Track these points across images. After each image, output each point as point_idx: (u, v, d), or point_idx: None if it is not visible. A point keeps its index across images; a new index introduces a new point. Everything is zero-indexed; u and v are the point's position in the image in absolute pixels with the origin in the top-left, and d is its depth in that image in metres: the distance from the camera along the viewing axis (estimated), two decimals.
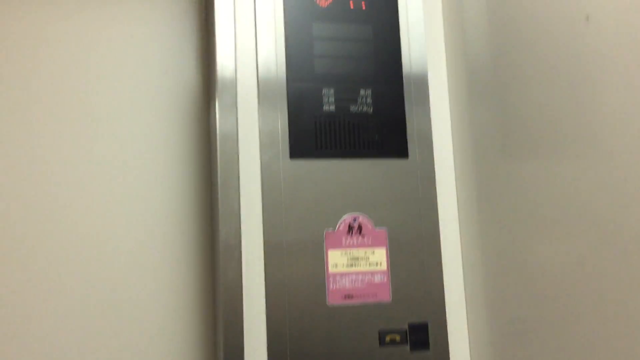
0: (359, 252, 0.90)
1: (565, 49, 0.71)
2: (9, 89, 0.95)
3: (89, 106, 0.99)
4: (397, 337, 0.88)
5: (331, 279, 0.88)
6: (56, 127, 0.97)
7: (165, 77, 1.01)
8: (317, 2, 0.94)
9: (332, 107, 0.93)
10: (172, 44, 1.02)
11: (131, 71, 1.01)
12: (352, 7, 0.95)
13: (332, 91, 0.93)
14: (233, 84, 0.89)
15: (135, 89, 1.00)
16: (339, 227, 0.90)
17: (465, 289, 0.93)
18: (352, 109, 0.93)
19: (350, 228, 0.90)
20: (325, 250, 0.89)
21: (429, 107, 0.97)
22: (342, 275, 0.89)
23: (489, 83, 0.90)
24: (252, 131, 0.90)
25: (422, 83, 0.97)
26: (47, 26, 0.98)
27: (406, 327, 0.89)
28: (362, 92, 0.94)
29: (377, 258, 0.90)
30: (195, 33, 1.03)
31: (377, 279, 0.90)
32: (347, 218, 0.91)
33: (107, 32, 1.00)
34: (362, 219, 0.91)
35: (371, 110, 0.94)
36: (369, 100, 0.94)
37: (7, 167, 0.94)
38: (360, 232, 0.91)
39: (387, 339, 0.88)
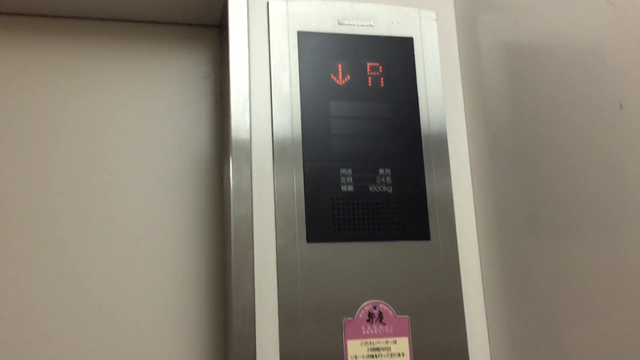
0: (380, 342, 0.85)
1: (598, 133, 0.68)
2: (27, 162, 0.93)
3: (107, 173, 0.96)
4: None
5: None
6: (75, 190, 0.94)
7: (180, 151, 0.99)
8: (334, 79, 0.92)
9: (351, 187, 0.89)
10: (187, 119, 1.00)
11: (147, 141, 0.98)
12: (370, 84, 0.93)
13: (350, 171, 0.90)
14: (248, 161, 0.86)
15: (151, 159, 0.98)
16: (358, 315, 0.85)
17: None
18: (371, 189, 0.90)
19: (370, 316, 0.86)
20: (344, 340, 0.84)
21: (451, 185, 0.93)
22: None
23: (512, 161, 0.86)
24: (267, 214, 0.86)
25: (442, 160, 0.94)
26: (67, 101, 0.97)
27: None
28: (381, 171, 0.91)
29: (400, 348, 0.85)
30: (209, 110, 1.02)
31: None
32: (367, 305, 0.86)
33: (126, 106, 0.99)
34: (382, 306, 0.86)
35: (391, 190, 0.91)
36: (388, 179, 0.91)
37: (26, 233, 0.91)
38: (381, 321, 0.86)
39: None
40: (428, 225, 0.91)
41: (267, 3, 0.93)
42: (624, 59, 0.63)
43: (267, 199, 0.87)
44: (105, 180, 0.96)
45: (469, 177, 0.95)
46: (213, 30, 1.04)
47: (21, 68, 0.96)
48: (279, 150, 0.88)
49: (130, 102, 0.99)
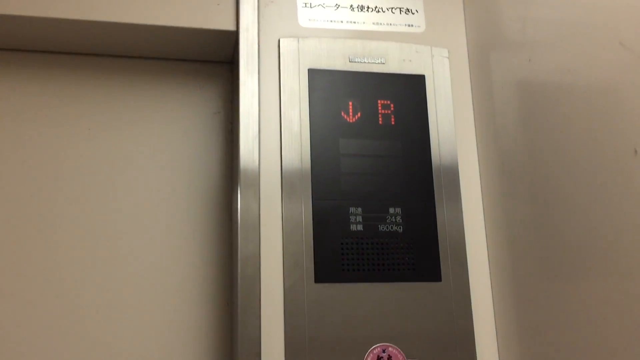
0: None
1: (611, 178, 0.66)
2: (38, 199, 0.93)
3: (116, 208, 0.96)
4: None
5: None
6: (85, 227, 0.94)
7: (189, 187, 0.98)
8: (345, 117, 0.92)
9: (360, 227, 0.88)
10: (196, 155, 1.00)
11: (157, 177, 0.98)
12: (380, 122, 0.92)
13: (359, 209, 0.89)
14: (257, 199, 0.85)
15: (160, 194, 0.97)
16: (366, 358, 0.83)
17: None
18: (380, 229, 0.88)
19: None
20: None
21: (463, 225, 0.91)
22: None
23: (525, 202, 0.84)
24: (275, 253, 0.85)
25: (454, 199, 0.92)
26: (78, 137, 0.97)
27: None
28: (391, 210, 0.90)
29: None
30: (219, 146, 1.01)
31: None
32: (375, 349, 0.84)
33: (136, 141, 0.99)
34: (392, 350, 0.84)
35: (401, 229, 0.89)
36: (399, 219, 0.89)
37: (37, 275, 0.91)
38: None
39: None
40: (439, 266, 0.89)
41: (278, 40, 0.93)
42: (638, 103, 0.61)
43: (275, 237, 0.86)
44: (114, 216, 0.96)
45: (482, 217, 0.93)
46: (225, 67, 1.04)
47: (35, 104, 0.97)
48: (287, 188, 0.88)
49: (141, 137, 0.99)
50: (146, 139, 0.99)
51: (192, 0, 0.91)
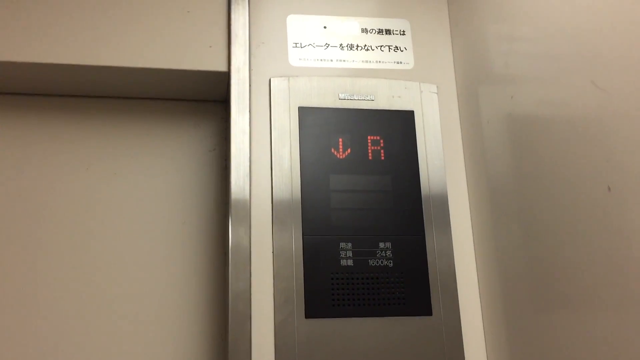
0: None
1: (587, 212, 0.67)
2: (31, 238, 0.96)
3: (111, 243, 0.98)
4: None
5: None
6: (80, 264, 0.96)
7: (185, 223, 1.00)
8: (335, 153, 0.94)
9: (350, 262, 0.89)
10: (192, 191, 1.02)
11: (153, 213, 1.00)
12: (370, 157, 0.94)
13: (349, 244, 0.90)
14: (247, 234, 0.87)
15: (156, 230, 0.99)
16: None
17: None
18: (371, 263, 0.90)
19: None
20: None
21: (453, 258, 0.92)
22: None
23: (515, 234, 0.85)
24: (265, 288, 0.86)
25: (444, 233, 0.93)
26: (76, 175, 1.00)
27: None
28: (381, 245, 0.91)
29: None
30: (214, 184, 1.03)
31: None
32: None
33: (133, 179, 1.01)
34: None
35: (391, 263, 0.90)
36: (389, 253, 0.90)
37: (37, 304, 0.93)
38: None
39: None
40: (430, 300, 0.89)
41: (269, 80, 0.96)
42: (611, 141, 0.63)
43: (265, 273, 0.87)
44: (110, 251, 0.98)
45: (472, 249, 0.94)
46: (219, 105, 1.07)
47: (33, 144, 1.00)
48: (278, 224, 0.89)
49: (138, 174, 1.02)
50: (144, 176, 1.02)
51: (186, 43, 0.94)
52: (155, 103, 1.05)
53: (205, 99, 1.06)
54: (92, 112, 1.03)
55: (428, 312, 0.89)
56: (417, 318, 0.88)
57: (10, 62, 0.89)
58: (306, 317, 0.86)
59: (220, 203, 1.03)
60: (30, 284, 0.94)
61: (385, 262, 0.90)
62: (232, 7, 0.97)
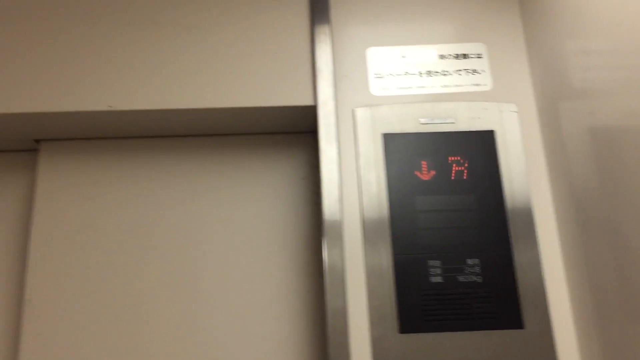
0: None
1: None
2: (141, 262, 1.07)
3: (211, 266, 1.07)
4: None
5: None
6: (184, 283, 1.05)
7: (281, 248, 1.08)
8: (419, 175, 0.98)
9: (440, 279, 0.93)
10: (286, 218, 1.10)
11: (251, 238, 1.09)
12: (453, 178, 0.98)
13: (438, 262, 0.94)
14: (341, 257, 0.93)
15: (254, 254, 1.08)
16: None
17: None
18: (460, 279, 0.93)
19: None
20: None
21: (541, 271, 0.94)
22: None
23: (604, 245, 0.86)
24: (360, 306, 0.92)
25: (531, 247, 0.95)
26: (185, 207, 1.10)
27: None
28: (469, 261, 0.94)
29: None
30: (307, 210, 1.11)
31: None
32: None
33: (233, 207, 1.10)
34: None
35: (480, 279, 0.93)
36: (477, 269, 0.94)
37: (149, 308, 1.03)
38: None
39: None
40: (520, 313, 0.92)
41: (354, 110, 1.02)
42: None
43: (359, 291, 0.93)
44: (213, 274, 1.07)
45: (561, 262, 0.96)
46: (308, 136, 1.15)
47: (144, 182, 1.11)
48: (369, 244, 0.95)
49: (238, 203, 1.11)
50: (243, 204, 1.11)
51: (276, 82, 1.03)
52: (250, 137, 1.14)
53: (295, 130, 1.14)
54: (196, 149, 1.13)
55: (519, 325, 0.91)
56: (508, 331, 0.91)
57: (130, 111, 1.01)
58: (400, 332, 0.91)
59: (312, 226, 1.10)
60: (145, 302, 1.05)
61: (474, 278, 0.93)
62: (316, 45, 1.05)
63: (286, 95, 1.03)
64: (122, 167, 1.11)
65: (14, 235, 1.11)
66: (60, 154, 1.11)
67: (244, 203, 1.11)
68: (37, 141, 1.12)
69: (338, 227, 0.95)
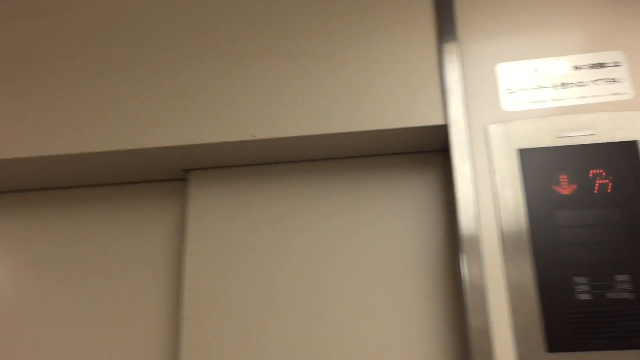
0: None
1: None
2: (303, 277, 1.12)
3: (351, 280, 1.10)
4: None
5: None
6: (324, 296, 1.10)
7: (417, 264, 1.10)
8: (558, 190, 0.96)
9: (587, 296, 0.90)
10: (419, 237, 1.11)
11: (386, 255, 1.11)
12: (596, 191, 0.95)
13: (584, 279, 0.91)
14: (481, 276, 0.93)
15: (390, 270, 1.10)
16: None
17: None
18: (609, 296, 0.90)
19: None
20: None
21: None
22: None
23: None
24: (504, 325, 0.91)
25: None
26: (326, 226, 1.15)
27: None
28: (618, 277, 0.91)
29: None
30: (440, 228, 1.12)
31: None
32: None
33: (367, 226, 1.14)
34: None
35: (633, 296, 0.89)
36: (629, 285, 0.90)
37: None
38: None
39: None
40: None
41: (486, 127, 1.02)
42: None
43: (501, 309, 0.92)
44: (348, 293, 1.10)
45: None
46: (439, 154, 1.15)
47: (281, 205, 1.18)
48: (509, 262, 0.94)
49: (372, 223, 1.14)
50: (376, 224, 1.14)
51: (406, 103, 1.06)
52: (380, 158, 1.17)
53: (425, 149, 1.15)
54: (329, 171, 1.18)
55: None
56: None
57: (272, 139, 1.08)
58: (548, 351, 0.89)
59: (447, 245, 1.10)
60: (286, 318, 1.10)
61: (626, 295, 0.90)
62: (444, 64, 1.06)
63: (417, 115, 1.05)
64: (264, 191, 1.18)
65: (169, 257, 1.21)
66: (207, 181, 1.20)
67: (377, 223, 1.14)
68: (186, 170, 1.21)
69: (476, 244, 0.95)
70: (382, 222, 1.14)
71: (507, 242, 0.95)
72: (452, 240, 1.10)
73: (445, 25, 1.10)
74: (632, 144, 0.97)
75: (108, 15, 1.21)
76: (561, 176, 0.97)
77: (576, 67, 1.04)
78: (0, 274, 1.27)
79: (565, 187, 0.96)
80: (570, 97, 1.02)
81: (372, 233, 1.13)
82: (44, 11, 1.24)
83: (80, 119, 1.14)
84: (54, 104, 1.16)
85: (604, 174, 0.96)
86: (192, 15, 1.19)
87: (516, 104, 1.03)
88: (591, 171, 0.97)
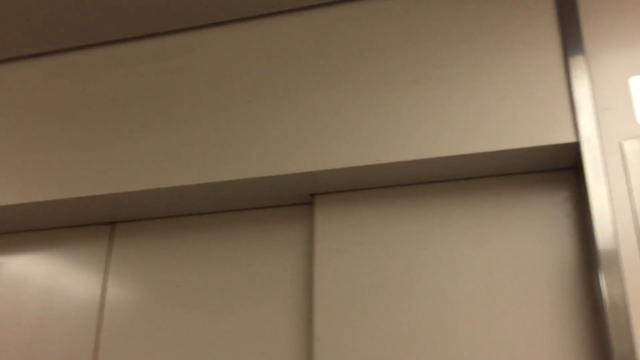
0: None
1: None
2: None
3: (484, 293, 1.09)
4: None
5: None
6: (455, 319, 1.09)
7: (550, 284, 1.07)
8: None
9: None
10: (550, 255, 1.08)
11: (516, 270, 1.09)
12: None
13: None
14: (623, 298, 0.90)
15: (521, 285, 1.08)
16: None
17: None
18: None
19: None
20: None
21: None
22: None
23: None
24: None
25: None
26: (459, 244, 1.16)
27: None
28: None
29: None
30: (573, 247, 1.08)
31: None
32: None
33: (496, 243, 1.12)
34: None
35: None
36: None
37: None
38: None
39: None
40: None
41: (620, 143, 0.98)
42: None
43: None
44: (476, 311, 1.08)
45: None
46: (568, 172, 1.12)
47: (413, 227, 1.19)
48: None
49: (500, 242, 1.12)
50: (505, 243, 1.12)
51: (534, 122, 1.04)
52: (507, 178, 1.16)
53: (554, 168, 1.12)
54: (453, 193, 1.18)
55: None
56: None
57: (397, 163, 1.11)
58: None
59: (581, 265, 1.06)
60: (417, 338, 1.11)
61: None
62: (572, 80, 1.04)
63: (545, 133, 1.03)
64: (390, 213, 1.20)
65: (298, 278, 1.26)
66: (333, 205, 1.24)
67: (506, 244, 1.12)
68: (312, 195, 1.26)
69: (616, 265, 0.92)
70: (512, 242, 1.12)
71: None
72: (587, 260, 1.06)
73: (570, 39, 1.08)
74: None
75: (237, 53, 1.30)
76: None
77: None
78: (143, 295, 1.37)
79: None
80: None
81: (501, 254, 1.12)
82: (179, 51, 1.34)
83: (210, 151, 1.22)
84: (190, 137, 1.25)
85: None
86: (317, 47, 1.24)
87: None
88: None
